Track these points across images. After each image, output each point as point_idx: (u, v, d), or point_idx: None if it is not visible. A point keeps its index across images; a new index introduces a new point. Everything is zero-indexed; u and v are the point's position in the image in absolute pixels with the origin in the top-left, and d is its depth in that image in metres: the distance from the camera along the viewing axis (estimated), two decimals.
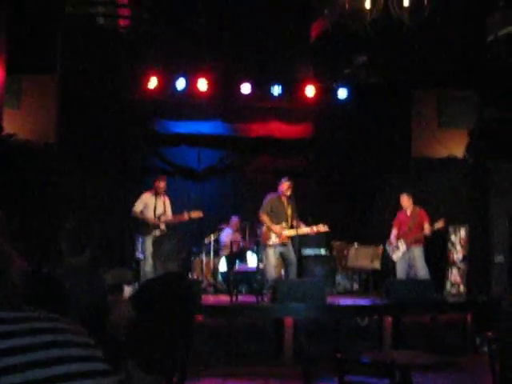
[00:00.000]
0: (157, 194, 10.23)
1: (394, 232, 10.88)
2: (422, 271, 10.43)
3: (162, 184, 10.26)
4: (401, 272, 10.68)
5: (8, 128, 10.01)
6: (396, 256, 10.69)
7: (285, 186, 9.80)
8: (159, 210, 10.11)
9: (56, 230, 11.10)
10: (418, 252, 10.55)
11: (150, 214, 10.06)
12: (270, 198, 9.91)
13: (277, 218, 9.74)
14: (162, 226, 10.07)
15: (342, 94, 13.00)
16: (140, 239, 11.11)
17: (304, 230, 9.89)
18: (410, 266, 10.87)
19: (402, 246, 10.61)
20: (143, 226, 10.16)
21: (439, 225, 10.48)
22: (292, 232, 9.74)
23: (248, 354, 8.88)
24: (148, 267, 9.45)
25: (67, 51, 11.14)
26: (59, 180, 12.23)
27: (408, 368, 4.20)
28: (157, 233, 9.64)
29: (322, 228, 10.06)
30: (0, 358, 1.19)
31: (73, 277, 4.13)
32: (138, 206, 10.22)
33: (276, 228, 9.62)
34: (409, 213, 10.80)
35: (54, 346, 1.25)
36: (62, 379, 1.22)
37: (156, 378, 4.22)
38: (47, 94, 12.10)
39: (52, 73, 11.77)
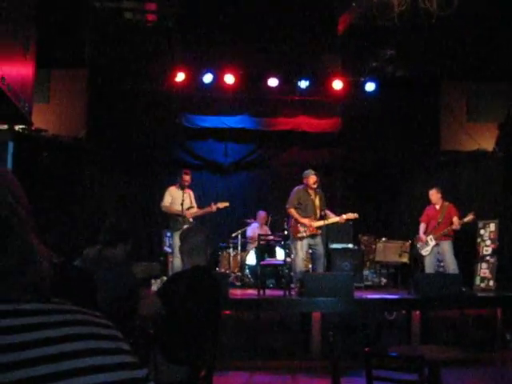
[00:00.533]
0: (182, 188, 10.26)
1: (423, 227, 10.80)
2: (452, 266, 10.35)
3: (187, 177, 10.30)
4: (430, 267, 10.61)
5: (37, 122, 10.11)
6: (425, 251, 10.62)
7: (310, 179, 9.76)
8: (186, 204, 10.15)
9: (83, 223, 11.22)
10: (447, 246, 10.46)
11: (177, 208, 10.10)
12: (296, 191, 9.89)
13: (305, 211, 9.71)
14: (191, 219, 10.11)
15: (370, 87, 12.92)
16: (168, 233, 11.18)
17: (333, 219, 9.87)
18: (440, 261, 10.81)
19: (432, 241, 10.54)
20: (172, 220, 10.21)
21: (469, 218, 10.38)
22: (321, 222, 9.71)
23: (275, 348, 8.89)
24: (177, 261, 9.49)
25: (95, 46, 11.22)
26: (88, 174, 12.35)
27: (436, 363, 4.17)
28: (185, 227, 9.67)
29: (352, 215, 10.02)
30: (25, 350, 1.20)
31: (102, 269, 4.16)
32: (167, 200, 10.27)
33: (305, 220, 9.60)
34: (438, 207, 10.72)
35: (80, 339, 1.26)
36: (88, 372, 1.23)
37: (184, 370, 4.25)
38: (76, 88, 12.22)
39: (81, 67, 11.87)
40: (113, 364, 1.27)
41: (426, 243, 10.60)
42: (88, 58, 11.45)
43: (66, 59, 11.50)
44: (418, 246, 10.77)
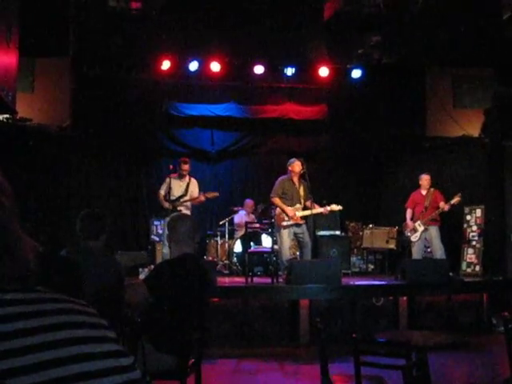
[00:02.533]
0: (181, 178, 10.26)
1: (409, 213, 10.82)
2: (439, 251, 10.39)
3: (186, 166, 10.27)
4: (417, 252, 10.63)
5: (21, 111, 10.04)
6: (414, 237, 10.63)
7: (296, 166, 9.75)
8: (180, 192, 10.14)
9: (70, 213, 11.18)
10: (434, 232, 10.50)
11: (171, 197, 10.11)
12: (280, 180, 9.88)
13: (290, 200, 9.71)
14: (180, 207, 10.07)
15: (356, 74, 12.90)
16: (156, 222, 11.18)
17: (317, 210, 9.86)
18: (427, 246, 10.85)
19: (420, 227, 10.56)
20: (162, 209, 10.22)
21: (455, 200, 10.40)
22: (306, 212, 9.71)
23: (263, 335, 8.92)
24: (165, 249, 9.49)
25: (80, 34, 11.13)
26: (73, 163, 12.29)
27: (424, 348, 4.19)
28: (172, 215, 9.65)
29: (336, 207, 10.04)
30: (10, 340, 1.19)
31: (89, 259, 4.15)
32: (163, 189, 10.27)
33: (289, 210, 9.59)
34: (424, 193, 10.74)
35: (65, 328, 1.25)
36: (74, 361, 1.22)
37: (172, 359, 4.25)
38: (60, 76, 12.13)
39: (65, 55, 11.78)
40: (98, 352, 1.26)
41: (415, 229, 10.61)
42: (72, 47, 11.36)
43: (50, 48, 11.40)
44: (407, 232, 10.78)
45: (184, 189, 10.23)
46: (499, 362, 7.02)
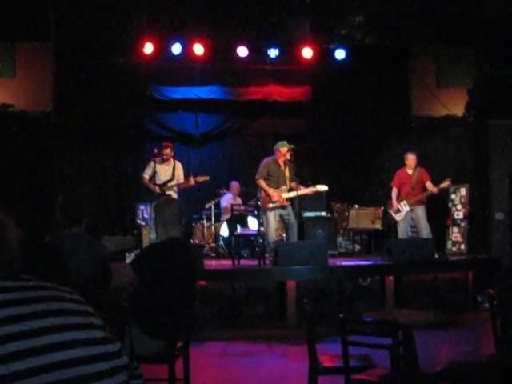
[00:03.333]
0: (164, 161, 10.22)
1: (395, 192, 10.79)
2: (425, 230, 10.44)
3: (167, 150, 10.24)
4: (403, 232, 10.66)
5: (2, 97, 9.95)
6: (399, 216, 10.64)
7: (282, 149, 9.71)
8: (167, 176, 10.10)
9: (54, 198, 11.12)
10: (420, 212, 10.52)
11: (157, 181, 10.07)
12: (265, 162, 9.85)
13: (275, 182, 9.70)
14: (169, 192, 10.05)
15: (340, 54, 12.86)
16: (141, 206, 11.14)
17: (303, 191, 9.85)
18: (412, 226, 10.88)
19: (405, 207, 10.56)
20: (148, 193, 10.18)
21: (445, 184, 10.42)
22: (291, 194, 9.72)
23: (251, 317, 8.96)
24: (152, 234, 9.48)
25: (60, 18, 11.01)
26: (57, 148, 12.21)
27: (410, 326, 4.23)
28: (159, 200, 9.59)
29: (321, 188, 10.03)
30: None
31: (73, 245, 4.13)
32: (147, 173, 10.22)
33: (273, 194, 9.58)
34: (410, 172, 10.72)
35: (51, 315, 1.25)
36: (60, 347, 1.22)
37: (160, 342, 4.26)
38: (42, 61, 12.01)
39: (46, 41, 11.66)
40: (85, 339, 1.27)
41: (400, 209, 10.62)
42: (54, 31, 11.25)
43: (31, 32, 11.28)
44: (391, 211, 10.79)
45: (170, 173, 10.19)
46: (484, 338, 7.10)
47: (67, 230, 4.36)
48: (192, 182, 10.16)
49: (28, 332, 1.21)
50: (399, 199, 10.69)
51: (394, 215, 10.73)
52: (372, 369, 4.14)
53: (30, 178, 11.40)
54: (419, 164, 10.86)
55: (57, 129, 12.02)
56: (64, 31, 11.34)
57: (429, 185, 10.49)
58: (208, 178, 10.51)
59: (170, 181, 10.14)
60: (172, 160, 10.31)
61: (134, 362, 1.48)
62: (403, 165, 10.84)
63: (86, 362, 1.25)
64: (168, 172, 10.17)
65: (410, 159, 10.73)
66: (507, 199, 12.00)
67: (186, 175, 10.42)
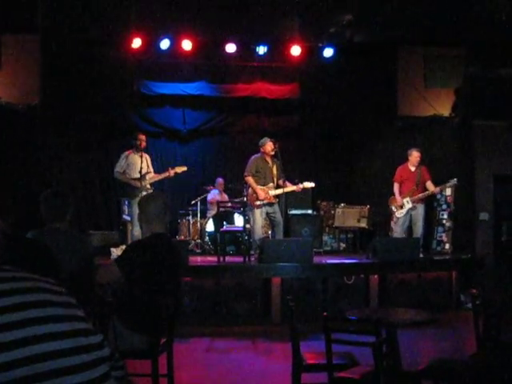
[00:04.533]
0: (139, 152, 9.98)
1: (397, 187, 10.68)
2: (421, 230, 10.45)
3: (143, 137, 9.99)
4: (400, 228, 10.55)
5: None
6: (400, 213, 10.55)
7: (268, 146, 9.73)
8: (144, 169, 9.92)
9: (39, 192, 11.06)
10: (421, 210, 10.47)
11: (135, 174, 9.86)
12: (254, 159, 9.86)
13: (263, 179, 9.71)
14: (148, 186, 9.91)
15: (328, 53, 12.87)
16: (126, 202, 11.05)
17: (290, 187, 9.87)
18: (410, 224, 10.68)
19: (408, 204, 10.45)
20: (129, 187, 9.98)
21: (451, 184, 10.47)
22: (278, 191, 9.73)
23: (236, 314, 8.96)
24: (136, 230, 9.40)
25: (48, 10, 10.93)
26: (43, 142, 12.13)
27: (394, 325, 4.25)
28: (143, 194, 9.45)
29: (308, 185, 10.05)
30: None
31: (56, 240, 4.11)
32: (121, 167, 9.99)
33: (260, 192, 9.57)
34: (413, 169, 10.63)
35: (33, 306, 1.24)
36: (41, 339, 1.21)
37: (144, 338, 4.25)
38: (29, 54, 11.93)
39: (33, 32, 11.58)
40: (67, 331, 1.26)
41: (402, 205, 10.55)
42: (40, 23, 11.17)
43: (18, 24, 11.20)
44: (393, 207, 10.67)
45: (146, 165, 9.99)
46: (467, 337, 7.14)
47: (51, 224, 4.34)
48: (171, 173, 10.01)
49: (9, 324, 1.20)
50: (401, 196, 10.62)
51: (395, 211, 10.63)
52: (355, 367, 4.15)
53: (15, 171, 11.33)
54: (402, 162, 10.85)
55: (43, 122, 11.94)
56: (51, 24, 11.25)
57: (429, 184, 10.44)
58: (185, 168, 10.34)
59: (147, 173, 9.96)
60: (144, 152, 10.09)
61: (115, 354, 1.48)
62: (406, 160, 10.71)
63: (67, 354, 1.24)
64: (144, 164, 9.94)
65: (414, 156, 10.57)
66: (492, 200, 12.09)
67: (168, 168, 10.21)
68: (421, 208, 10.53)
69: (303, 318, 7.37)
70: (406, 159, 10.71)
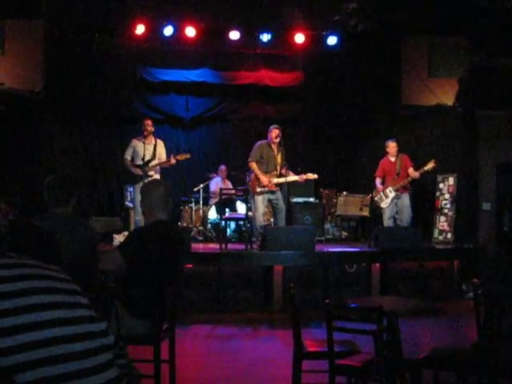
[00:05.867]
0: (145, 138, 9.98)
1: (378, 182, 10.81)
2: (408, 219, 10.48)
3: (149, 121, 10.01)
4: (387, 219, 10.67)
5: None
6: (385, 203, 10.63)
7: (273, 133, 9.72)
8: (148, 155, 9.90)
9: (42, 178, 11.07)
10: (406, 199, 10.54)
11: (138, 161, 9.88)
12: (259, 145, 9.84)
13: (266, 166, 9.70)
14: (151, 172, 9.90)
15: (332, 41, 12.83)
16: (129, 188, 11.06)
17: (293, 177, 9.86)
18: (396, 213, 10.78)
19: (391, 193, 10.54)
20: (132, 174, 10.01)
21: (429, 166, 10.42)
22: (281, 180, 9.72)
23: (237, 301, 8.99)
24: (138, 216, 9.41)
25: None
26: (46, 128, 12.13)
27: (395, 313, 4.26)
28: (146, 181, 9.45)
29: (311, 176, 10.05)
30: None
31: (59, 225, 4.11)
32: (128, 154, 10.04)
33: (263, 178, 9.56)
34: (393, 160, 10.73)
35: (37, 293, 1.25)
36: (47, 326, 1.22)
37: (146, 324, 4.27)
38: (33, 39, 11.90)
39: (37, 18, 11.54)
40: (70, 318, 1.27)
41: (386, 195, 10.62)
42: (44, 8, 11.13)
43: (22, 9, 11.16)
44: (377, 199, 10.79)
45: (151, 151, 9.99)
46: (468, 327, 7.16)
47: (55, 209, 4.34)
48: (173, 160, 9.97)
49: (13, 309, 1.21)
50: (384, 186, 10.67)
51: (379, 202, 10.72)
52: (356, 354, 4.17)
53: (18, 157, 11.33)
54: (408, 153, 10.88)
55: (46, 108, 11.93)
56: (55, 9, 11.22)
57: (411, 171, 10.49)
58: (188, 156, 10.33)
59: (150, 160, 9.95)
60: (153, 138, 10.08)
61: (119, 341, 1.49)
62: (385, 153, 10.83)
63: (71, 341, 1.25)
64: (149, 151, 9.93)
65: (391, 147, 10.76)
66: (494, 189, 12.07)
67: (170, 156, 10.19)
68: (405, 197, 10.56)
69: (304, 305, 7.40)
70: (406, 148, 10.79)
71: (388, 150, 10.79)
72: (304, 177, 9.94)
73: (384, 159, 10.87)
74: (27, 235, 2.76)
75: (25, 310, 1.21)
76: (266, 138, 9.88)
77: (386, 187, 10.62)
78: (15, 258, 1.31)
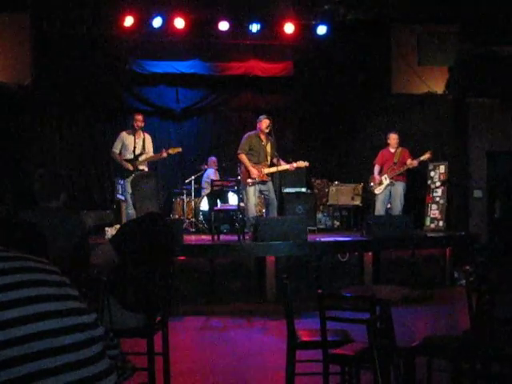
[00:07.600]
0: (135, 132, 10.00)
1: (377, 169, 10.88)
2: (399, 207, 10.54)
3: (139, 117, 10.00)
4: (381, 206, 10.71)
5: None
6: (378, 190, 10.69)
7: (263, 123, 9.68)
8: (138, 149, 9.91)
9: (32, 172, 11.02)
10: (400, 188, 10.59)
11: (128, 155, 9.88)
12: (248, 136, 9.81)
13: (256, 157, 9.68)
14: (142, 167, 9.91)
15: (322, 30, 12.79)
16: (120, 181, 11.03)
17: (284, 166, 9.84)
18: (389, 201, 10.83)
19: (386, 180, 10.61)
20: (123, 167, 10.00)
21: (425, 156, 10.51)
22: (272, 169, 9.71)
23: (231, 293, 8.98)
24: (130, 209, 9.39)
25: None
26: (35, 121, 12.06)
27: (387, 302, 4.26)
28: (136, 174, 9.45)
29: (302, 164, 10.02)
30: None
31: (50, 219, 4.10)
32: (117, 147, 10.02)
33: (253, 170, 9.54)
34: (393, 151, 10.81)
35: (26, 286, 1.24)
36: (35, 318, 1.21)
37: (139, 317, 4.26)
38: (20, 33, 11.81)
39: (24, 11, 11.45)
40: (59, 310, 1.26)
41: (380, 182, 10.66)
42: (31, 2, 11.05)
43: (8, 3, 11.08)
44: (372, 184, 10.83)
45: (141, 146, 9.98)
46: (460, 314, 7.19)
47: (45, 203, 4.32)
48: (164, 154, 9.97)
49: (4, 303, 1.20)
50: (381, 174, 10.74)
51: (373, 188, 10.77)
52: (349, 343, 4.18)
53: (7, 151, 11.28)
54: (402, 143, 10.92)
55: (35, 101, 11.87)
56: (42, 1, 11.13)
57: (409, 161, 10.55)
58: (180, 149, 10.33)
59: (141, 154, 9.95)
60: (141, 132, 10.09)
61: (109, 333, 1.48)
62: (386, 143, 10.93)
63: (60, 333, 1.24)
64: (139, 144, 9.94)
65: (392, 138, 10.88)
66: (485, 177, 12.11)
67: (162, 149, 10.19)
68: (400, 186, 10.63)
69: (298, 295, 7.41)
70: (386, 144, 10.89)
71: (389, 141, 10.93)
72: (295, 165, 9.92)
73: (385, 149, 11.01)
74: (12, 229, 2.74)
75: (12, 303, 1.20)
76: (255, 128, 9.86)
77: (382, 175, 10.67)
78: (3, 251, 1.30)
